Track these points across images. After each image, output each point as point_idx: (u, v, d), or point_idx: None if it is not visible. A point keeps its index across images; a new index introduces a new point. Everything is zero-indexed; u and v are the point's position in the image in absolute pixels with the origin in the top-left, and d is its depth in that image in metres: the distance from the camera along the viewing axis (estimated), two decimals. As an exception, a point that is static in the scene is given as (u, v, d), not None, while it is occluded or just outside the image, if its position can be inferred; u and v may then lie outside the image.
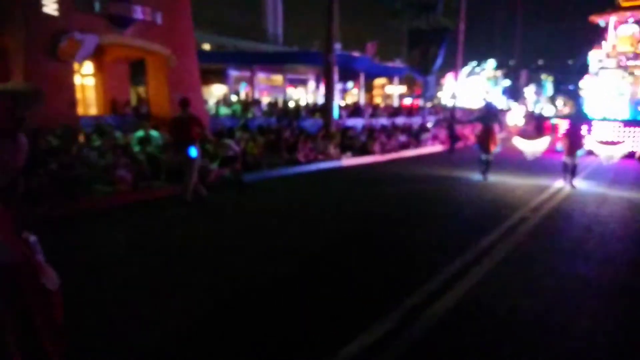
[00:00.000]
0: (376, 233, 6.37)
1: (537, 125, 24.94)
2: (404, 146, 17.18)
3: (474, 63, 37.28)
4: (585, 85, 22.56)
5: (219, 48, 25.31)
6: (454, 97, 23.08)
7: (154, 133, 11.04)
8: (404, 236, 6.16)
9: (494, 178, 10.99)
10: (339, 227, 6.64)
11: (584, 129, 10.28)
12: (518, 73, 39.29)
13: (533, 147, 14.71)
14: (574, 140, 10.10)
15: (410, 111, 25.14)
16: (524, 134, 22.31)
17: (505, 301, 4.12)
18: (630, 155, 16.05)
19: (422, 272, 4.81)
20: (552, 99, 39.39)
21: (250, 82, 22.19)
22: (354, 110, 22.88)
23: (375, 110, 22.47)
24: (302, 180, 10.75)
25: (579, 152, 10.14)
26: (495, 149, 10.88)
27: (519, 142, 15.29)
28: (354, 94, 38.95)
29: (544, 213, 7.58)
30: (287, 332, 3.58)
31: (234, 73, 23.42)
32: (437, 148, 18.98)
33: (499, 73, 38.56)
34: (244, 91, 23.72)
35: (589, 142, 15.30)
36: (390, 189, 9.88)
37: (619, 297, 4.33)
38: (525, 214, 7.47)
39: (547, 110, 32.00)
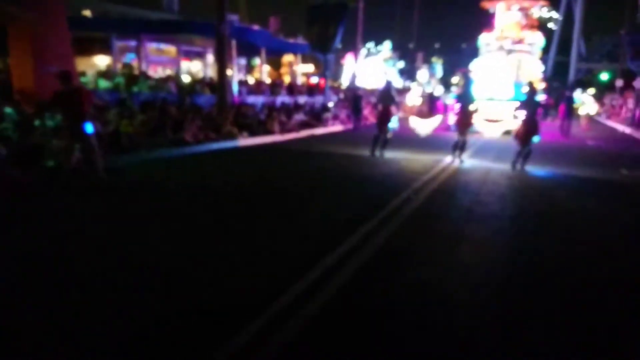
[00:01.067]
0: (261, 212, 5.72)
1: (430, 105, 25.99)
2: (305, 125, 16.64)
3: (372, 44, 37.71)
4: (475, 66, 23.75)
5: (102, 15, 22.60)
6: (354, 77, 22.98)
7: (7, 110, 9.29)
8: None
9: (390, 154, 11.18)
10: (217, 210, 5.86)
11: (472, 108, 10.50)
12: (415, 55, 40.58)
13: (426, 126, 15.18)
14: (463, 118, 10.54)
15: (311, 90, 24.62)
16: (419, 113, 23.06)
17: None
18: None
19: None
20: (443, 80, 41.29)
21: (138, 52, 20.13)
22: (256, 87, 21.86)
23: (275, 88, 21.59)
24: (186, 162, 9.70)
25: (471, 130, 10.61)
26: (391, 127, 11.05)
27: (414, 121, 15.68)
28: (263, 71, 37.67)
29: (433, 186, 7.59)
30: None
31: (119, 43, 21.10)
32: (338, 128, 18.75)
33: (395, 55, 39.48)
34: (130, 62, 21.52)
35: (477, 120, 15.67)
36: (284, 169, 9.26)
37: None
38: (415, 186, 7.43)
39: (438, 90, 33.51)
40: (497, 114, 18.65)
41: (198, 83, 18.76)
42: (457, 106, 10.78)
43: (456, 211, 6.43)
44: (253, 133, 13.37)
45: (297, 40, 24.86)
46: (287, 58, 31.61)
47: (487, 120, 18.33)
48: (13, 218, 5.62)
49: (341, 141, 14.68)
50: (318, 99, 23.22)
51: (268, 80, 27.37)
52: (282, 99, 20.91)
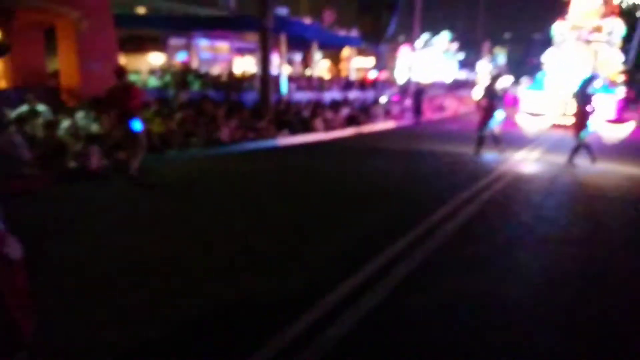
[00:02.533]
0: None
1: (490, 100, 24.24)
2: (352, 122, 15.79)
3: (427, 35, 35.76)
4: (548, 57, 22.19)
5: (155, 12, 22.94)
6: (410, 70, 21.76)
7: (40, 108, 9.26)
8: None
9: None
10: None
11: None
12: (480, 45, 38.22)
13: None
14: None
15: (364, 85, 23.67)
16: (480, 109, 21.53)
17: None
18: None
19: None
20: (512, 71, 38.64)
21: (188, 50, 20.18)
22: (306, 83, 21.29)
23: (324, 83, 20.87)
24: (212, 162, 9.18)
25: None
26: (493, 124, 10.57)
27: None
28: (322, 66, 36.95)
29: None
30: None
31: (172, 40, 21.30)
32: (389, 124, 17.72)
33: (455, 46, 37.31)
34: (183, 60, 21.66)
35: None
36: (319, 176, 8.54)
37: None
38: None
39: (504, 82, 31.52)
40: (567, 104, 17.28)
41: (246, 80, 18.38)
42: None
43: None
44: (294, 131, 12.73)
45: (351, 32, 24.00)
46: (346, 52, 30.84)
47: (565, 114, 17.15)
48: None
49: (391, 139, 13.79)
50: (371, 94, 22.25)
51: (327, 76, 26.80)
52: (332, 94, 20.18)
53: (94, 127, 9.21)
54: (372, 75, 32.32)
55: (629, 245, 5.09)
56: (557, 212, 6.21)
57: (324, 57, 37.66)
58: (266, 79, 13.59)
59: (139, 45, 21.94)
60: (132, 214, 5.74)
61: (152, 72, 19.14)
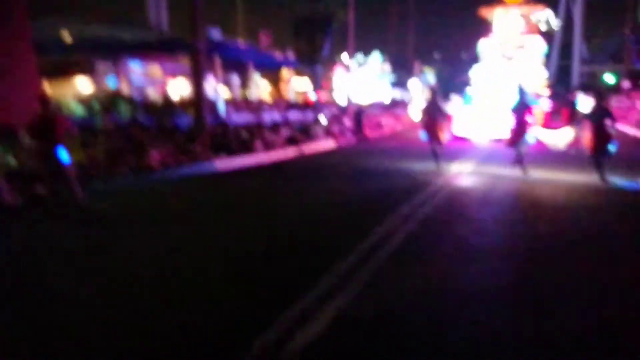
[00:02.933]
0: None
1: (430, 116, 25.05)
2: (293, 142, 15.53)
3: (360, 56, 36.52)
4: (475, 73, 23.24)
5: (82, 37, 21.83)
6: (348, 90, 21.95)
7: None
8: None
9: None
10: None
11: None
12: (411, 65, 39.57)
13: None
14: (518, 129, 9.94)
15: (304, 106, 23.65)
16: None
17: None
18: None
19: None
20: (443, 89, 40.22)
21: (116, 73, 19.24)
22: (244, 104, 20.91)
23: (261, 105, 20.61)
24: (139, 192, 8.52)
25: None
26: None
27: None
28: (263, 88, 36.55)
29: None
30: None
31: (100, 65, 20.26)
32: (329, 144, 17.63)
33: (386, 66, 38.42)
34: (112, 85, 20.65)
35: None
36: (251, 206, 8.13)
37: None
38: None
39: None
40: (494, 118, 17.86)
41: (180, 103, 17.75)
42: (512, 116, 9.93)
43: None
44: (232, 153, 12.25)
45: (287, 54, 23.99)
46: (285, 74, 30.82)
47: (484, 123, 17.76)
48: None
49: (332, 158, 13.65)
50: (311, 115, 22.20)
51: (268, 98, 26.53)
52: (272, 116, 19.93)
53: (9, 160, 8.34)
54: (313, 96, 32.57)
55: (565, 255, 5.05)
56: (494, 225, 6.17)
57: (263, 77, 37.56)
58: (199, 102, 13.07)
59: (65, 71, 20.72)
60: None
61: (76, 98, 18.06)
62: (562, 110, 21.10)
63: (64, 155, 6.76)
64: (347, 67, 22.91)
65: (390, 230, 5.68)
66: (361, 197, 8.07)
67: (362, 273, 4.33)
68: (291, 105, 22.84)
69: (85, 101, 17.34)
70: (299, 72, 34.90)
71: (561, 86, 40.97)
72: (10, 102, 11.67)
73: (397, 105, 33.90)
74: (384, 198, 7.81)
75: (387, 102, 34.99)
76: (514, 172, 9.88)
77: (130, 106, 16.44)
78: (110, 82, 20.58)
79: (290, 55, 23.89)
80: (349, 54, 22.39)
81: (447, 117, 11.77)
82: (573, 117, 19.19)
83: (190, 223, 6.40)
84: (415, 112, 26.55)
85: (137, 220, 6.70)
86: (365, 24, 26.63)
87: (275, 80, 36.94)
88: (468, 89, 22.14)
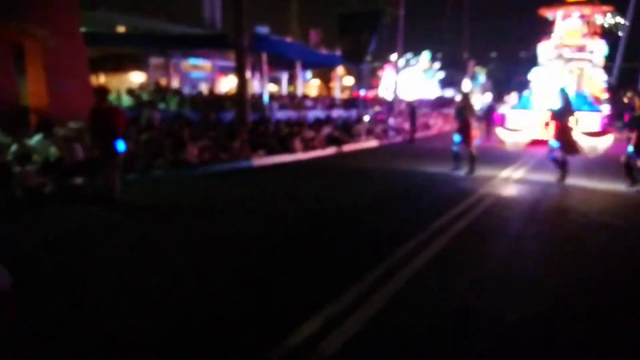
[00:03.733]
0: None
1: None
2: (334, 141, 15.39)
3: (410, 55, 35.66)
4: (533, 76, 22.52)
5: (135, 31, 22.68)
6: (395, 88, 21.53)
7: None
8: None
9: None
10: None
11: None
12: (465, 64, 38.30)
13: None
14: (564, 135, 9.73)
15: (348, 103, 23.40)
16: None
17: None
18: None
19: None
20: (497, 90, 38.81)
21: (166, 68, 19.77)
22: (289, 101, 20.96)
23: (305, 102, 20.55)
24: (173, 185, 8.68)
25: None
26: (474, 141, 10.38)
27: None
28: (313, 85, 36.70)
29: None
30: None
31: (153, 59, 20.92)
32: (372, 143, 17.36)
33: (436, 64, 37.34)
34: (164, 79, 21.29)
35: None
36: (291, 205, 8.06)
37: None
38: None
39: (485, 99, 31.82)
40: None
41: (227, 98, 18.00)
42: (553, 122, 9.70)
43: None
44: (271, 151, 12.28)
45: (335, 52, 23.82)
46: (338, 71, 30.71)
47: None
48: None
49: (374, 159, 13.40)
50: (355, 112, 21.97)
51: (317, 95, 26.56)
52: (316, 113, 19.85)
53: (52, 151, 8.70)
54: (362, 93, 32.22)
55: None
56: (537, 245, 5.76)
57: (315, 76, 37.59)
58: (242, 98, 13.18)
59: (119, 64, 21.59)
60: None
61: (129, 91, 18.75)
62: (625, 115, 19.89)
63: (121, 145, 6.97)
64: (396, 66, 22.42)
65: (414, 246, 5.43)
66: (386, 204, 7.81)
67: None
68: (335, 104, 22.64)
69: (134, 93, 17.92)
70: (349, 71, 34.69)
71: (623, 90, 38.50)
72: (63, 93, 12.29)
73: (445, 104, 32.93)
74: (415, 207, 7.52)
75: (434, 99, 34.06)
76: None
77: (177, 100, 16.84)
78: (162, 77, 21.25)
79: (337, 53, 23.71)
80: (398, 53, 21.94)
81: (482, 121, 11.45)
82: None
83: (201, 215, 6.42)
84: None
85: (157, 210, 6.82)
86: (416, 22, 25.97)
87: (326, 78, 36.88)
88: (526, 92, 21.35)
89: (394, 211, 7.13)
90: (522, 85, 26.89)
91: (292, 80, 29.97)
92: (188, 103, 17.43)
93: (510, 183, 9.65)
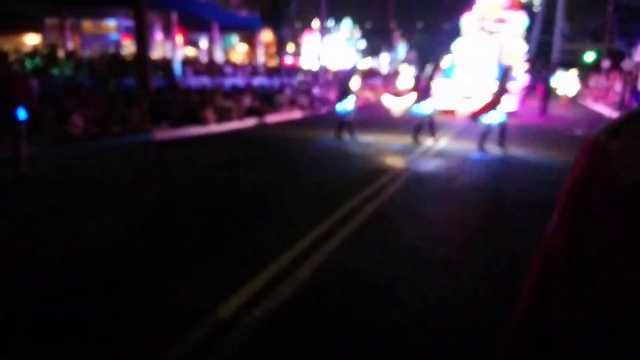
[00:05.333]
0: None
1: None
2: (253, 112, 14.28)
3: (330, 22, 34.64)
4: (457, 47, 22.89)
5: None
6: (319, 56, 20.60)
7: None
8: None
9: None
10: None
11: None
12: (390, 34, 37.94)
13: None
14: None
15: (271, 71, 22.15)
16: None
17: None
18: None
19: None
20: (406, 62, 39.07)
21: (62, 28, 17.38)
22: (206, 68, 19.37)
23: (223, 68, 19.11)
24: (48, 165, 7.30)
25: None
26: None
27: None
28: (239, 51, 34.43)
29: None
30: None
31: (50, 20, 18.32)
32: (295, 114, 16.41)
33: (357, 33, 36.67)
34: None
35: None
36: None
37: None
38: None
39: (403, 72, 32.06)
40: (473, 92, 17.78)
41: (129, 64, 16.14)
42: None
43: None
44: (177, 123, 11.00)
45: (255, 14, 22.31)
46: (265, 36, 28.93)
47: (464, 97, 17.60)
48: None
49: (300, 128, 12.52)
50: (277, 81, 20.82)
51: (244, 61, 24.94)
52: (235, 81, 18.47)
53: None
54: (289, 60, 30.83)
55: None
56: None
57: (243, 41, 35.44)
58: (142, 61, 11.66)
59: (13, 27, 18.77)
60: None
61: (21, 56, 16.29)
62: (537, 86, 20.63)
63: (22, 113, 6.36)
64: (321, 31, 21.39)
65: (329, 226, 4.67)
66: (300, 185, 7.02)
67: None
68: (258, 71, 21.31)
69: (20, 58, 15.57)
70: (277, 37, 33.04)
71: (540, 62, 40.34)
72: None
73: (371, 75, 32.49)
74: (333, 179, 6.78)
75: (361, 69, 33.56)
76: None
77: (72, 65, 14.82)
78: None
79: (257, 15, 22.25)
80: (321, 18, 20.93)
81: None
82: (547, 94, 18.91)
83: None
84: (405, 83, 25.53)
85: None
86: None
87: (253, 44, 34.89)
88: (449, 61, 21.45)
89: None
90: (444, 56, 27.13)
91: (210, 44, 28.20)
92: (86, 68, 15.44)
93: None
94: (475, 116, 9.92)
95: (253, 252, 4.09)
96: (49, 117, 8.61)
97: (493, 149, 9.58)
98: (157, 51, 21.91)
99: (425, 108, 10.51)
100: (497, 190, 6.93)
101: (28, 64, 14.44)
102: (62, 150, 8.05)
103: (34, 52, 16.79)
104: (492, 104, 9.47)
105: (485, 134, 9.53)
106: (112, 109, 9.84)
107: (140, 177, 7.04)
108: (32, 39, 19.73)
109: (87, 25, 19.85)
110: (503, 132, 9.56)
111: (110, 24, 20.46)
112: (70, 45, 17.42)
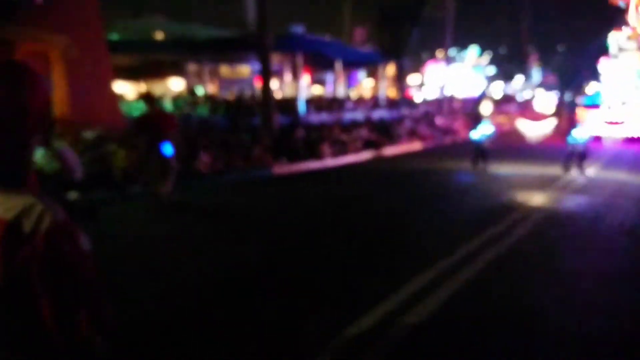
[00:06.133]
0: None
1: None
2: (370, 145, 14.17)
3: (454, 50, 33.08)
4: (604, 68, 20.67)
5: (176, 36, 22.51)
6: (443, 86, 19.93)
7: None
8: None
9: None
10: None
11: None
12: (525, 57, 35.39)
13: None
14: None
15: (393, 104, 21.96)
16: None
17: None
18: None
19: None
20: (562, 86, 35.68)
21: (198, 74, 19.32)
22: (327, 104, 19.92)
23: (344, 104, 19.39)
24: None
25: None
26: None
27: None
28: (366, 87, 35.20)
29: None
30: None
31: (191, 65, 20.61)
32: (414, 146, 15.94)
33: (484, 60, 34.53)
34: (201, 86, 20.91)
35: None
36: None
37: None
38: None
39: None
40: (624, 117, 15.94)
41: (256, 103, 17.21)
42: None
43: None
44: (295, 158, 11.28)
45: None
46: (390, 71, 29.14)
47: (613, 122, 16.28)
48: None
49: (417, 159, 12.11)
50: (396, 113, 20.52)
51: (369, 96, 25.38)
52: (354, 115, 18.64)
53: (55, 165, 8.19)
54: (413, 92, 30.46)
55: None
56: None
57: (369, 76, 36.06)
58: (266, 101, 12.31)
59: (158, 72, 21.52)
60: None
61: (168, 98, 18.49)
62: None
63: (168, 148, 6.92)
64: (444, 60, 20.80)
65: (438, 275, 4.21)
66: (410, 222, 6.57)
67: None
68: (378, 104, 21.30)
69: (173, 100, 17.62)
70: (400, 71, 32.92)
71: None
72: (85, 102, 12.00)
73: (504, 101, 30.55)
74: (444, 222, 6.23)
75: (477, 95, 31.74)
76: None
77: (209, 106, 16.30)
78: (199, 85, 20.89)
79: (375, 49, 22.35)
80: (445, 46, 20.36)
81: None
82: None
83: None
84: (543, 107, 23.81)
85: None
86: (464, 13, 23.93)
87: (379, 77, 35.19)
88: (596, 87, 19.56)
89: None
90: (591, 78, 24.58)
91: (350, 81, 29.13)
92: (222, 109, 16.86)
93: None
94: None
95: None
96: (182, 154, 9.38)
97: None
98: (287, 91, 23.23)
99: (579, 135, 9.79)
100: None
101: (170, 105, 16.24)
102: (189, 184, 8.68)
103: (177, 96, 18.94)
104: None
105: None
106: (238, 147, 10.43)
107: (246, 205, 7.24)
108: (176, 84, 22.28)
109: (224, 70, 21.85)
110: None
111: (245, 68, 22.27)
112: (210, 89, 19.25)
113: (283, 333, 3.20)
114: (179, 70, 21.16)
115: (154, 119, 7.08)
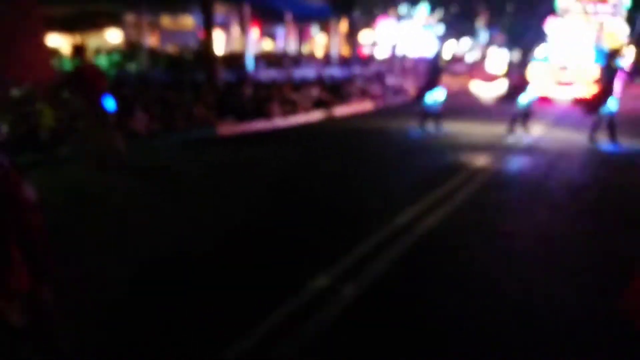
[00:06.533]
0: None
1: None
2: (320, 104, 13.78)
3: (404, 8, 32.38)
4: (550, 27, 20.98)
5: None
6: (394, 43, 19.60)
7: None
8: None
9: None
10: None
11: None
12: (475, 16, 35.44)
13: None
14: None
15: (345, 61, 21.44)
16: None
17: None
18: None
19: None
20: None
21: (137, 25, 17.92)
22: (278, 60, 19.15)
23: (294, 60, 18.74)
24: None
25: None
26: None
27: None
28: (319, 43, 33.96)
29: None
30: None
31: (129, 16, 19.05)
32: (366, 106, 15.68)
33: (433, 19, 34.21)
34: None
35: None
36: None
37: None
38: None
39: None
40: (571, 78, 16.15)
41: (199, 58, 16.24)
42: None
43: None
44: (242, 117, 10.75)
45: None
46: (343, 26, 28.12)
47: (560, 84, 16.41)
48: None
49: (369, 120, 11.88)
50: (351, 70, 20.07)
51: (322, 52, 24.60)
52: (305, 72, 18.02)
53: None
54: (366, 50, 29.83)
55: None
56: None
57: (322, 30, 34.84)
58: (209, 55, 11.55)
59: (94, 23, 19.80)
60: None
61: (104, 51, 17.07)
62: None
63: (111, 103, 6.53)
64: (395, 17, 20.38)
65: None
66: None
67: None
68: (331, 62, 20.74)
69: (108, 53, 16.31)
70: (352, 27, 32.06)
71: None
72: (10, 55, 10.79)
73: (454, 62, 30.64)
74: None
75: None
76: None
77: (149, 60, 15.22)
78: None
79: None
80: (395, 3, 19.87)
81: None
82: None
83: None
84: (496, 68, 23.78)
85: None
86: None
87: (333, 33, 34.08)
88: (543, 46, 19.77)
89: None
90: (539, 40, 24.94)
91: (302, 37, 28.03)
92: (163, 63, 15.81)
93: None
94: (590, 110, 8.94)
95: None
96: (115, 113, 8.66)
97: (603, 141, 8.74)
98: (235, 45, 22.08)
99: (523, 99, 9.85)
100: (602, 194, 5.85)
101: (104, 60, 15.06)
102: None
103: (114, 50, 17.57)
104: (604, 93, 8.45)
105: (596, 125, 8.78)
106: (179, 104, 9.77)
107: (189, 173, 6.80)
108: (114, 35, 20.66)
109: (166, 21, 20.40)
110: (613, 123, 8.57)
111: (188, 19, 20.87)
112: (150, 42, 17.94)
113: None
114: (116, 22, 19.52)
115: (88, 72, 6.58)
